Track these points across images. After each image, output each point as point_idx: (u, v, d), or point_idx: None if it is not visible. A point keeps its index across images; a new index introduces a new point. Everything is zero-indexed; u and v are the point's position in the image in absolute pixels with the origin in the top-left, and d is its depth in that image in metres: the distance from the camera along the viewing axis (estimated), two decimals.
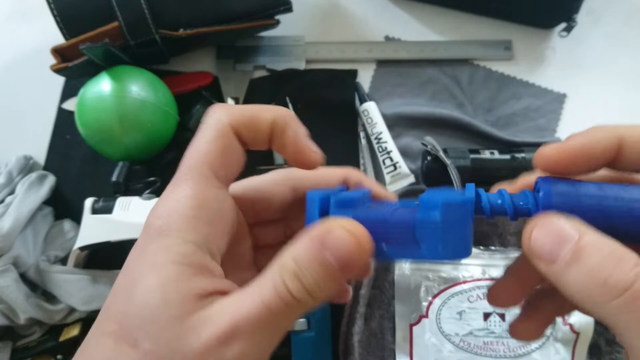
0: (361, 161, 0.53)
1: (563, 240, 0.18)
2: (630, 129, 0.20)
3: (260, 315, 0.19)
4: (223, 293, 0.20)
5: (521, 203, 0.21)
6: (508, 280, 0.24)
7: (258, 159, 0.52)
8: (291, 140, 0.23)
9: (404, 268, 0.47)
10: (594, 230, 0.18)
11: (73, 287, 0.44)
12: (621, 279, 0.16)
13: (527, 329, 0.24)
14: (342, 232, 0.19)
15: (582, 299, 0.17)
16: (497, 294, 0.24)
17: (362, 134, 0.54)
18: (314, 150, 0.23)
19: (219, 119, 0.22)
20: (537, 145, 0.51)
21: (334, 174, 0.26)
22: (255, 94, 0.55)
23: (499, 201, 0.21)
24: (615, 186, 0.20)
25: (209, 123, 0.22)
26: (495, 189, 0.23)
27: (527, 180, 0.23)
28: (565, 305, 0.23)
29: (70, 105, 0.55)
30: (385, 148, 0.51)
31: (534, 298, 0.24)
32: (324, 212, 0.22)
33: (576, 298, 0.18)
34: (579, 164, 0.20)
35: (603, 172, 0.22)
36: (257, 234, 0.27)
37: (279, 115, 0.22)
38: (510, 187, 0.23)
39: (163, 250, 0.19)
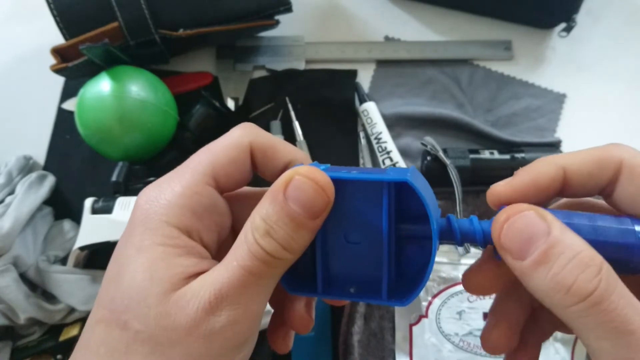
0: (361, 161, 0.53)
1: (533, 238, 0.18)
2: (570, 158, 0.21)
3: (241, 279, 0.19)
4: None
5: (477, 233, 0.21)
6: (498, 324, 0.23)
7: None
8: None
9: None
10: (563, 227, 0.18)
11: (73, 287, 0.44)
12: (583, 287, 0.17)
13: (498, 336, 0.23)
14: (300, 179, 0.19)
15: (545, 299, 0.18)
16: (492, 340, 0.23)
17: (361, 134, 0.54)
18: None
19: (242, 135, 0.22)
20: (537, 145, 0.51)
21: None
22: (255, 94, 0.55)
23: (470, 228, 0.21)
24: (583, 216, 0.20)
25: (232, 133, 0.22)
26: (492, 188, 0.22)
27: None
28: (548, 330, 0.24)
29: (70, 105, 0.55)
30: (385, 148, 0.51)
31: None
32: None
33: (539, 296, 0.18)
34: (529, 197, 0.21)
35: (564, 201, 0.23)
36: None
37: (296, 158, 0.23)
38: (506, 185, 0.22)
39: (148, 233, 0.20)
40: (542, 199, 0.21)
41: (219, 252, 0.22)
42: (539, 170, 0.21)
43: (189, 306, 0.19)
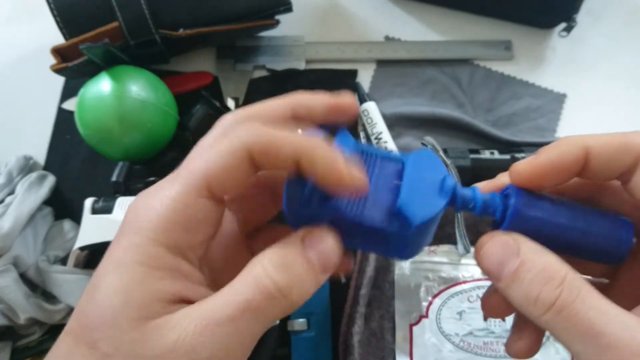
0: None
1: (505, 261, 0.20)
2: (595, 138, 0.21)
3: (234, 312, 0.18)
4: (197, 293, 0.19)
5: (489, 205, 0.23)
6: (522, 334, 0.24)
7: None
8: (323, 172, 0.20)
9: (404, 268, 0.47)
10: (531, 247, 0.20)
11: (73, 287, 0.44)
12: (547, 298, 0.19)
13: (521, 346, 0.24)
14: (328, 237, 0.20)
15: (522, 311, 0.20)
16: (488, 306, 0.24)
17: (362, 134, 0.54)
18: (353, 174, 0.20)
19: (238, 137, 0.20)
20: (537, 145, 0.51)
21: (279, 113, 0.22)
22: (255, 93, 0.55)
23: (471, 198, 0.23)
24: (573, 209, 0.22)
25: (229, 137, 0.20)
26: (482, 187, 0.24)
27: (503, 180, 0.24)
28: None
29: (70, 105, 0.55)
30: (385, 148, 0.51)
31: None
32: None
33: (518, 309, 0.21)
34: (550, 177, 0.22)
35: (575, 180, 0.23)
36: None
37: (305, 148, 0.20)
38: (488, 185, 0.24)
39: (131, 249, 0.19)
40: (563, 179, 0.22)
41: (204, 259, 0.21)
42: (563, 150, 0.21)
43: (168, 335, 0.17)
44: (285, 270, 0.19)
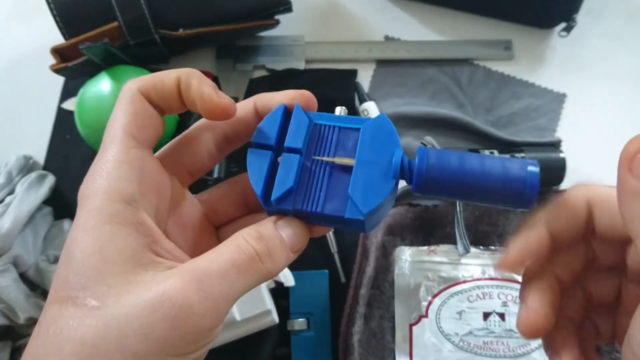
0: None
1: None
2: (550, 216, 0.23)
3: (222, 269, 0.20)
4: (163, 248, 0.21)
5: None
6: (529, 305, 0.23)
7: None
8: (197, 93, 0.23)
9: (403, 268, 0.47)
10: None
11: None
12: None
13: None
14: (297, 224, 0.23)
15: None
16: (530, 322, 0.23)
17: None
18: (222, 97, 0.23)
19: (128, 88, 0.23)
20: (537, 145, 0.51)
21: (247, 109, 0.26)
22: (255, 93, 0.55)
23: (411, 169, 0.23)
24: (481, 157, 0.23)
25: (120, 94, 0.23)
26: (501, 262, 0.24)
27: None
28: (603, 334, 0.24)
29: (70, 105, 0.55)
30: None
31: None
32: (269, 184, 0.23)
33: None
34: (527, 259, 0.24)
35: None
36: (217, 211, 0.27)
37: (182, 73, 0.23)
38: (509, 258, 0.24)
39: (93, 213, 0.20)
40: (541, 252, 0.23)
41: (168, 215, 0.23)
42: (527, 238, 0.23)
43: (156, 286, 0.19)
44: (262, 241, 0.21)
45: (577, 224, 0.23)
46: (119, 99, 0.23)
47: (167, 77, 0.23)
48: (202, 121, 0.26)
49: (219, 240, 0.26)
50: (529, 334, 0.23)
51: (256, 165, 0.23)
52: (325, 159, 0.23)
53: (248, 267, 0.21)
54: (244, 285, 0.21)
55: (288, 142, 0.23)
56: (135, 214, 0.20)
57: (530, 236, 0.23)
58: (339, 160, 0.23)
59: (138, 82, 0.23)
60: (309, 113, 0.25)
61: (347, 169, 0.23)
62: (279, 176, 0.23)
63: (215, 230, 0.27)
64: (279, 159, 0.23)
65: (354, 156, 0.23)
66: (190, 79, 0.23)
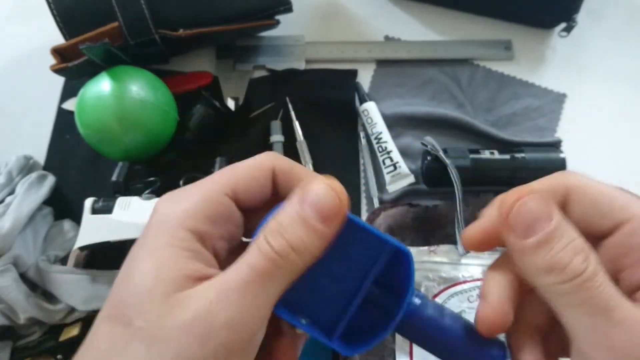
0: (361, 161, 0.53)
1: (540, 219, 0.20)
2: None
3: (244, 278, 0.19)
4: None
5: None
6: (491, 302, 0.24)
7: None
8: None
9: None
10: (562, 215, 0.20)
11: (73, 287, 0.44)
12: (576, 268, 0.19)
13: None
14: (320, 186, 0.21)
15: (538, 277, 0.20)
16: (471, 238, 0.24)
17: (362, 134, 0.54)
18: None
19: (266, 157, 0.23)
20: (537, 145, 0.51)
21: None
22: (255, 93, 0.55)
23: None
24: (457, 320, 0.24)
25: (256, 156, 0.23)
26: (464, 234, 0.24)
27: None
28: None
29: (70, 105, 0.55)
30: (385, 148, 0.51)
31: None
32: None
33: (532, 274, 0.20)
34: (495, 235, 0.23)
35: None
36: None
37: (309, 176, 0.23)
38: (474, 229, 0.24)
39: (162, 236, 0.20)
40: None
41: (227, 262, 0.22)
42: (489, 216, 0.23)
43: (192, 305, 0.19)
44: (278, 234, 0.20)
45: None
46: (252, 159, 0.23)
47: (303, 174, 0.23)
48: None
49: None
50: (487, 330, 0.23)
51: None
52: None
53: (270, 269, 0.20)
54: (274, 289, 0.20)
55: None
56: (197, 245, 0.21)
57: (492, 215, 0.23)
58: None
59: (278, 160, 0.23)
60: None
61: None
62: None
63: None
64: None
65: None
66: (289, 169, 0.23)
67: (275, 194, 0.24)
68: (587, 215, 0.22)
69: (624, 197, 0.21)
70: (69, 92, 0.56)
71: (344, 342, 0.22)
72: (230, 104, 0.54)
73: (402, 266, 0.22)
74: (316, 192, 0.20)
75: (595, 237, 0.22)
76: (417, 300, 0.23)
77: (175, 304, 0.19)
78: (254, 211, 0.24)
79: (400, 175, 0.51)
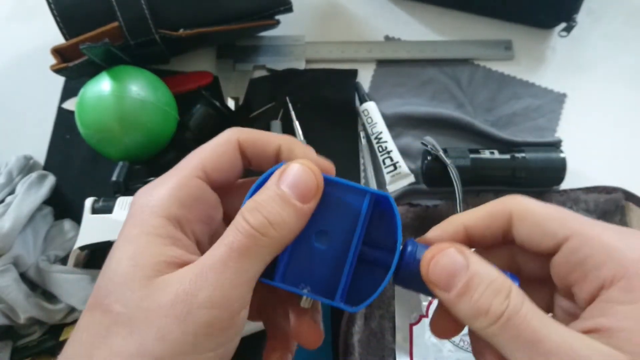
0: (361, 161, 0.53)
1: (455, 272, 0.21)
2: (468, 216, 0.24)
3: (222, 257, 0.19)
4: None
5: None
6: (441, 313, 0.25)
7: None
8: (302, 154, 0.24)
9: None
10: (478, 260, 0.21)
11: (73, 287, 0.44)
12: (497, 309, 0.20)
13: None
14: (296, 165, 0.21)
15: (470, 324, 0.21)
16: (437, 326, 0.25)
17: (362, 134, 0.54)
18: (326, 161, 0.24)
19: (229, 133, 0.24)
20: (537, 145, 0.51)
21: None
22: (255, 93, 0.55)
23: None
24: None
25: (221, 134, 0.24)
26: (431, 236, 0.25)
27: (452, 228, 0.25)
28: None
29: (70, 105, 0.55)
30: (385, 148, 0.51)
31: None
32: None
33: (466, 322, 0.21)
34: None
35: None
36: None
37: (285, 140, 0.24)
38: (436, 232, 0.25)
39: (137, 224, 0.21)
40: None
41: (210, 244, 0.22)
42: (444, 229, 0.24)
43: (170, 288, 0.19)
44: (257, 210, 0.20)
45: (494, 228, 0.24)
46: (217, 138, 0.24)
47: (271, 139, 0.24)
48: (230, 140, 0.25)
49: None
50: (440, 335, 0.25)
51: None
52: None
53: (248, 246, 0.20)
54: (253, 266, 0.20)
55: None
56: (174, 230, 0.21)
57: (447, 227, 0.24)
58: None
59: (241, 132, 0.24)
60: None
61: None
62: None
63: None
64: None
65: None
66: (294, 147, 0.24)
67: (248, 167, 0.24)
68: (531, 236, 0.23)
69: (563, 215, 0.22)
70: (69, 92, 0.56)
71: (347, 303, 0.23)
72: (230, 104, 0.54)
73: (389, 219, 0.23)
74: (294, 173, 0.21)
75: (544, 256, 0.23)
76: (410, 248, 0.23)
77: (154, 288, 0.19)
78: (230, 190, 0.25)
79: (400, 175, 0.51)
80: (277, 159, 0.24)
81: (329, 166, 0.25)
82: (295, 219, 0.21)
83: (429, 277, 0.21)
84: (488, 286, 0.20)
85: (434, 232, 0.25)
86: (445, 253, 0.21)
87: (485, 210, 0.24)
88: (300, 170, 0.21)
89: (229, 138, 0.23)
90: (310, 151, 0.24)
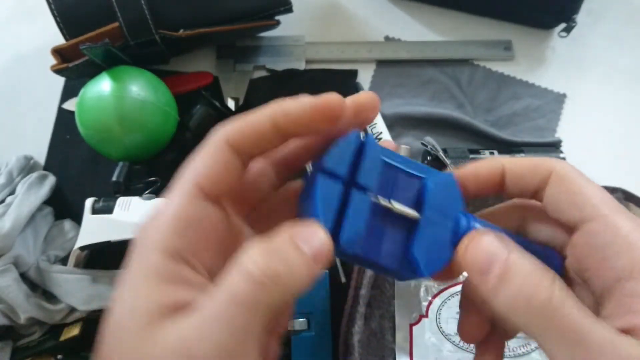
0: None
1: (496, 257, 0.20)
2: (511, 160, 0.24)
3: (223, 308, 0.17)
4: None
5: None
6: (467, 316, 0.25)
7: None
8: (302, 107, 0.21)
9: None
10: (518, 248, 0.20)
11: (73, 287, 0.45)
12: (540, 296, 0.18)
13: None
14: (314, 229, 0.19)
15: (509, 313, 0.19)
16: (466, 331, 0.25)
17: (362, 134, 0.54)
18: (328, 100, 0.21)
19: (214, 136, 0.21)
20: (537, 145, 0.51)
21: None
22: (256, 93, 0.55)
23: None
24: (513, 237, 0.23)
25: (206, 141, 0.21)
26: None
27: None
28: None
29: (70, 105, 0.55)
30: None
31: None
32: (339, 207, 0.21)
33: (504, 311, 0.19)
34: (470, 188, 0.24)
35: (505, 207, 0.26)
36: None
37: (273, 112, 0.21)
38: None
39: (137, 265, 0.19)
40: (482, 188, 0.24)
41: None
42: (482, 163, 0.24)
43: (169, 338, 0.17)
44: (272, 254, 0.18)
45: (529, 180, 0.23)
46: (202, 147, 0.21)
47: (256, 120, 0.21)
48: (269, 159, 0.24)
49: None
50: (471, 339, 0.25)
51: (325, 195, 0.20)
52: (390, 205, 0.22)
53: (255, 296, 0.17)
54: (259, 318, 0.18)
55: (362, 179, 0.21)
56: (175, 267, 0.19)
57: (488, 163, 0.24)
58: (398, 208, 0.22)
59: (227, 132, 0.21)
60: (376, 145, 0.23)
61: (405, 220, 0.22)
62: (350, 217, 0.20)
63: None
64: (349, 195, 0.21)
65: (414, 208, 0.22)
66: (284, 105, 0.21)
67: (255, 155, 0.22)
68: (560, 201, 0.22)
69: (597, 194, 0.21)
70: (69, 92, 0.56)
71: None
72: (230, 104, 0.54)
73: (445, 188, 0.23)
74: (316, 237, 0.19)
75: (563, 228, 0.22)
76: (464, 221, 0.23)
77: (151, 341, 0.17)
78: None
79: None
80: (278, 136, 0.21)
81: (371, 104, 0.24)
82: (309, 277, 0.19)
83: (466, 263, 0.21)
84: (530, 272, 0.19)
85: (469, 165, 0.24)
86: (485, 237, 0.20)
87: (528, 160, 0.23)
88: (323, 240, 0.19)
89: (216, 143, 0.21)
90: (303, 100, 0.21)
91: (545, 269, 0.19)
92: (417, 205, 0.23)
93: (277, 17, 0.54)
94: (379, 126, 0.52)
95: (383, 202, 0.22)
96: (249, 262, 0.18)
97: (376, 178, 0.22)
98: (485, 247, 0.20)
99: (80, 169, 0.53)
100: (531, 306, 0.18)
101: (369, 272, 0.45)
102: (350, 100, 0.23)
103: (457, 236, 0.22)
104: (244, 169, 0.22)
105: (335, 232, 0.20)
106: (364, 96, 0.24)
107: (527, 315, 0.19)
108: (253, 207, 0.24)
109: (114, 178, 0.47)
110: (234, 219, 0.22)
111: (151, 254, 0.19)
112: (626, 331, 0.18)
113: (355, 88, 0.55)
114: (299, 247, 0.19)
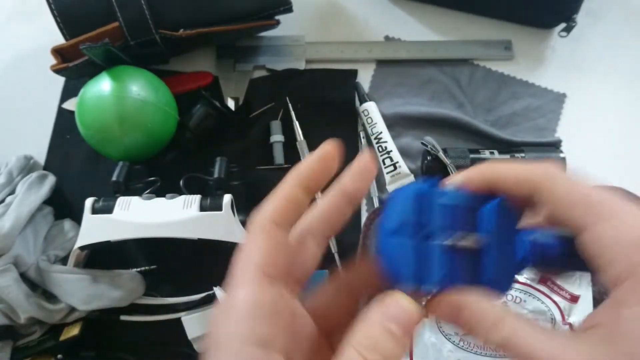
0: None
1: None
2: (500, 173, 0.24)
3: None
4: None
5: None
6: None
7: (258, 158, 0.52)
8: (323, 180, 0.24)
9: None
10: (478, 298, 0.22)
11: (73, 287, 0.45)
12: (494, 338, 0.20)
13: None
14: (399, 301, 0.21)
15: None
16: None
17: (362, 134, 0.54)
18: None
19: (257, 221, 0.22)
20: (537, 145, 0.51)
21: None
22: (256, 93, 0.55)
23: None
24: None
25: (251, 227, 0.22)
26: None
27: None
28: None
29: (70, 105, 0.55)
30: (385, 148, 0.51)
31: None
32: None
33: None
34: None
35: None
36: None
37: (299, 176, 0.23)
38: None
39: (230, 357, 0.20)
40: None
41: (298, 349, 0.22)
42: (471, 175, 0.24)
43: None
44: (374, 349, 0.20)
45: (521, 191, 0.23)
46: (249, 233, 0.22)
47: (287, 189, 0.23)
48: (303, 228, 0.25)
49: (332, 349, 0.24)
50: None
51: (399, 257, 0.23)
52: (456, 243, 0.23)
53: None
54: None
55: (428, 230, 0.23)
56: (265, 356, 0.20)
57: (484, 168, 0.25)
58: (462, 244, 0.23)
59: (268, 213, 0.22)
60: (432, 191, 0.24)
61: (472, 250, 0.23)
62: (428, 267, 0.22)
63: (326, 338, 0.25)
64: (420, 246, 0.23)
65: (475, 237, 0.23)
66: (300, 169, 0.23)
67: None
68: (554, 215, 0.22)
69: (588, 201, 0.21)
70: (69, 92, 0.56)
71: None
72: (230, 104, 0.54)
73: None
74: (400, 307, 0.21)
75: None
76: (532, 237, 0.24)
77: None
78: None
79: (400, 175, 0.51)
80: (308, 198, 0.23)
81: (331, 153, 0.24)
82: (402, 353, 0.21)
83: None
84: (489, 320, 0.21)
85: (462, 176, 0.25)
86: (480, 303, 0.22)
87: (523, 171, 0.23)
88: (406, 307, 0.21)
89: (263, 226, 0.22)
90: (309, 157, 0.24)
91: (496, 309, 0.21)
92: (478, 232, 0.24)
93: (277, 17, 0.54)
94: (379, 126, 0.52)
95: (449, 242, 0.23)
96: (358, 358, 0.19)
97: (439, 223, 0.23)
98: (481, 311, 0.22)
99: (80, 169, 0.53)
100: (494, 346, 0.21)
101: None
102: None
103: (518, 255, 0.23)
104: (290, 246, 0.23)
105: (418, 279, 0.22)
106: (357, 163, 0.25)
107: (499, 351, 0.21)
108: (303, 284, 0.25)
109: (114, 178, 0.47)
110: (288, 299, 0.23)
111: (242, 348, 0.19)
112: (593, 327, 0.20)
113: (355, 88, 0.55)
114: (391, 331, 0.20)
